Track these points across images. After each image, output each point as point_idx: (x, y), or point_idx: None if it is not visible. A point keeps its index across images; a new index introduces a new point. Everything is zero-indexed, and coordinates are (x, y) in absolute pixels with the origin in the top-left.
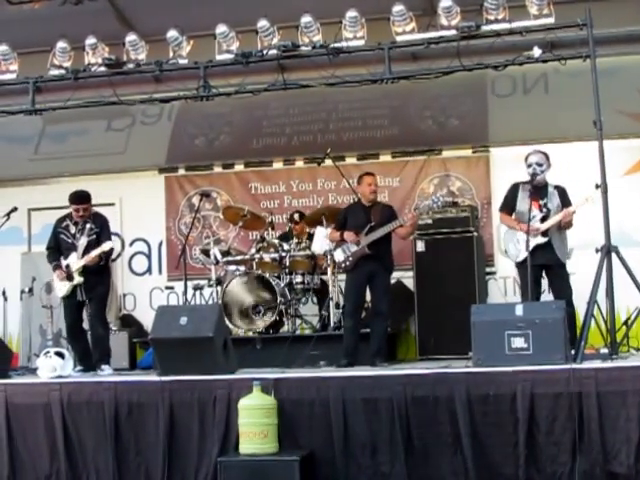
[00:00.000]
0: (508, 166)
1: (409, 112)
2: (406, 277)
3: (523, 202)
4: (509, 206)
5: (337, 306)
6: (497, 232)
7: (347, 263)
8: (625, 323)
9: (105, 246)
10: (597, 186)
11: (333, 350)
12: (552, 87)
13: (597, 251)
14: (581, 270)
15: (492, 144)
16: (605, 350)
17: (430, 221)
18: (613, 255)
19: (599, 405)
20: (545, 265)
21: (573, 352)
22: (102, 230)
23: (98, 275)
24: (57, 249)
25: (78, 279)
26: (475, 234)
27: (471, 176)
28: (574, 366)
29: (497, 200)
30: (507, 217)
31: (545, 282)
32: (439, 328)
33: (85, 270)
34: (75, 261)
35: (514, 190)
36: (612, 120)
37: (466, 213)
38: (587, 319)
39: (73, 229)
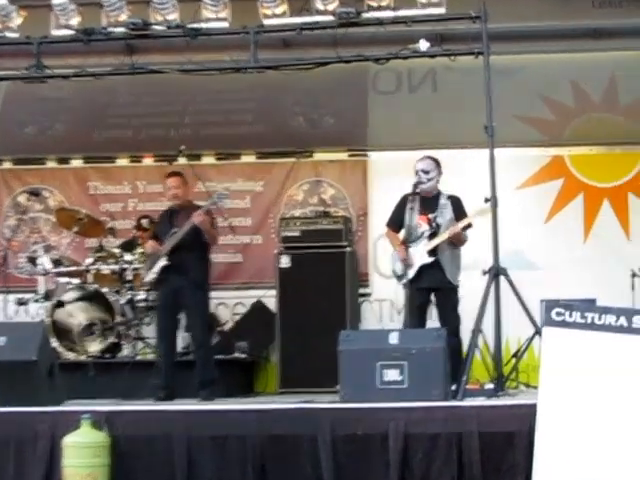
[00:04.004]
0: (388, 173)
1: (277, 107)
2: (267, 296)
3: (411, 216)
4: (395, 221)
5: (188, 328)
6: (374, 248)
7: (149, 277)
8: (514, 355)
9: None
10: (486, 200)
11: (180, 378)
12: (441, 86)
13: (484, 273)
14: (468, 294)
15: (371, 147)
16: (490, 386)
17: (297, 233)
18: (502, 278)
19: (481, 448)
20: (433, 288)
21: (454, 387)
22: None
23: None
24: None
25: None
26: (348, 249)
27: (346, 183)
28: (454, 403)
29: (374, 211)
30: (391, 234)
31: None
32: (304, 356)
33: None
34: None
35: (402, 202)
36: (507, 126)
37: (339, 225)
38: (470, 350)
39: None
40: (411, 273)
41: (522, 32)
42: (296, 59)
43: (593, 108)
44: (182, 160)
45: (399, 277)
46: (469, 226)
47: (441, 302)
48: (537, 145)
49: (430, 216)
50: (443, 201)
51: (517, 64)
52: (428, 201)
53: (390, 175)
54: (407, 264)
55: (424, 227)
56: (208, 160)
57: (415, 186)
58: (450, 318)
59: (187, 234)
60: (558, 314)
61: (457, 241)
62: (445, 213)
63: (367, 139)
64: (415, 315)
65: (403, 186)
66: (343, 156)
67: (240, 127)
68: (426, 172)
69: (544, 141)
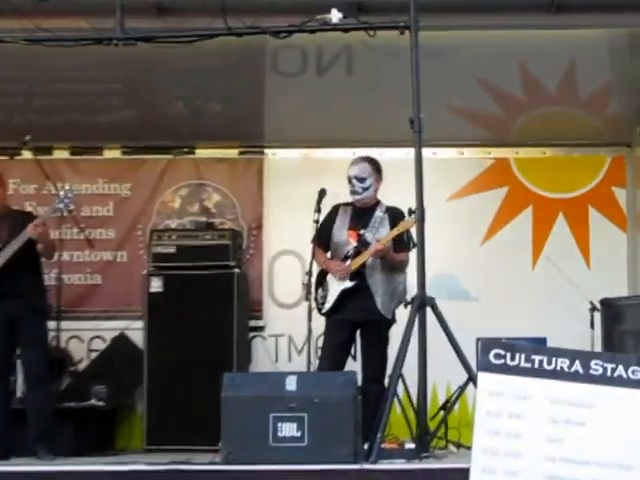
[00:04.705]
0: (290, 176)
1: (150, 89)
2: (133, 329)
3: (340, 231)
4: (323, 237)
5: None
6: (269, 270)
7: None
8: (443, 407)
9: None
10: (411, 212)
11: (19, 431)
12: (358, 67)
13: (407, 304)
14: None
15: (269, 143)
16: (412, 445)
17: (172, 249)
18: (429, 310)
19: None
20: (358, 321)
21: (367, 447)
22: None
23: None
24: None
25: None
26: (237, 271)
27: (236, 188)
28: (366, 466)
29: (271, 224)
30: (319, 252)
31: None
32: (177, 405)
33: None
34: None
35: (332, 215)
36: (439, 120)
37: (225, 240)
38: (388, 399)
39: None
40: (329, 302)
41: (459, 2)
42: (174, 30)
43: (547, 100)
44: (27, 154)
45: (319, 305)
46: (408, 245)
47: (366, 339)
48: (476, 145)
49: (361, 231)
50: (380, 214)
51: (452, 43)
52: (362, 213)
53: (292, 179)
54: (342, 277)
55: (352, 244)
56: (60, 154)
57: (322, 192)
58: (373, 360)
59: (18, 249)
60: (497, 356)
61: (391, 263)
62: (381, 229)
63: (264, 132)
64: (331, 355)
65: (308, 193)
66: (233, 153)
67: (102, 114)
68: (361, 180)
69: (485, 140)
